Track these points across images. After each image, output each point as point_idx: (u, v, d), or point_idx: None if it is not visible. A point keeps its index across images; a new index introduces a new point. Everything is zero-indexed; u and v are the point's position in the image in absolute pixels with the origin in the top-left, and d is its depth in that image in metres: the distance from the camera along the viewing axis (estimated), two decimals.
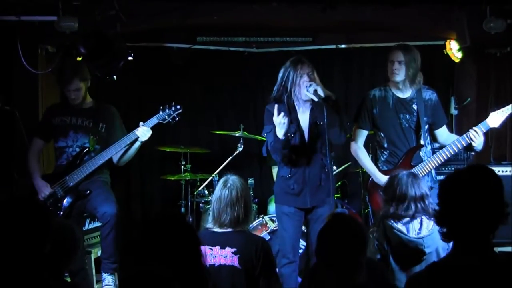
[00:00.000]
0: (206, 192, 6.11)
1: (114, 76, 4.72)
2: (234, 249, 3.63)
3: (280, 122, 4.25)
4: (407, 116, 4.75)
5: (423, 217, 3.84)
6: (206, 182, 6.10)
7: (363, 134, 4.87)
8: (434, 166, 4.70)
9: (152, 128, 4.86)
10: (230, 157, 6.15)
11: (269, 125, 4.51)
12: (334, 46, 6.69)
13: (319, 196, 4.61)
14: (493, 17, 4.60)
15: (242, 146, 6.17)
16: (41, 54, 5.43)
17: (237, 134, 6.14)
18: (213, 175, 6.04)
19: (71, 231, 3.04)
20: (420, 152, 4.75)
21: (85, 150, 4.86)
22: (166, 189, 6.79)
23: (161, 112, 4.88)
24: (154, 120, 4.86)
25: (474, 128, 4.61)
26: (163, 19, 5.18)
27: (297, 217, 4.65)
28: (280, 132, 4.28)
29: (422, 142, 4.73)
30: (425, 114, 4.74)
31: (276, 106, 4.30)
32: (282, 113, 4.26)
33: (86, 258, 5.14)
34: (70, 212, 4.83)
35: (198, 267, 2.75)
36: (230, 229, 3.70)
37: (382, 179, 4.58)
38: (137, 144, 4.86)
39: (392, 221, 3.84)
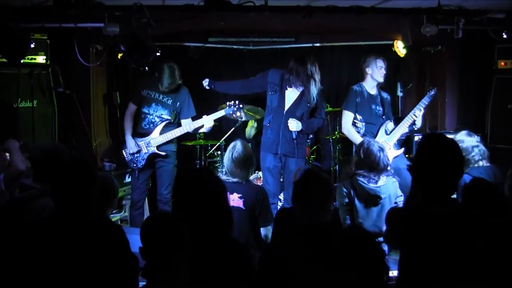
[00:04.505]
0: (215, 154, 6.19)
1: (146, 67, 4.76)
2: (240, 195, 3.69)
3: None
4: (375, 106, 5.01)
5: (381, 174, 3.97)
6: (215, 147, 6.19)
7: (351, 116, 5.01)
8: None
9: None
10: (233, 128, 6.22)
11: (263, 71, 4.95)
12: (311, 45, 6.68)
13: (289, 148, 4.71)
14: (429, 23, 4.64)
15: (242, 119, 6.21)
16: (92, 51, 5.44)
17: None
18: (221, 141, 6.13)
19: (111, 182, 3.08)
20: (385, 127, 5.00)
21: (167, 122, 4.98)
22: (185, 151, 6.80)
23: (227, 108, 5.01)
24: (221, 113, 4.98)
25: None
26: (182, 24, 5.17)
27: (276, 170, 4.78)
28: None
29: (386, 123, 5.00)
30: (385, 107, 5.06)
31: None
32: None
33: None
34: (145, 165, 4.98)
35: (226, 207, 2.73)
36: (236, 179, 3.74)
37: None
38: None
39: (358, 176, 3.96)
